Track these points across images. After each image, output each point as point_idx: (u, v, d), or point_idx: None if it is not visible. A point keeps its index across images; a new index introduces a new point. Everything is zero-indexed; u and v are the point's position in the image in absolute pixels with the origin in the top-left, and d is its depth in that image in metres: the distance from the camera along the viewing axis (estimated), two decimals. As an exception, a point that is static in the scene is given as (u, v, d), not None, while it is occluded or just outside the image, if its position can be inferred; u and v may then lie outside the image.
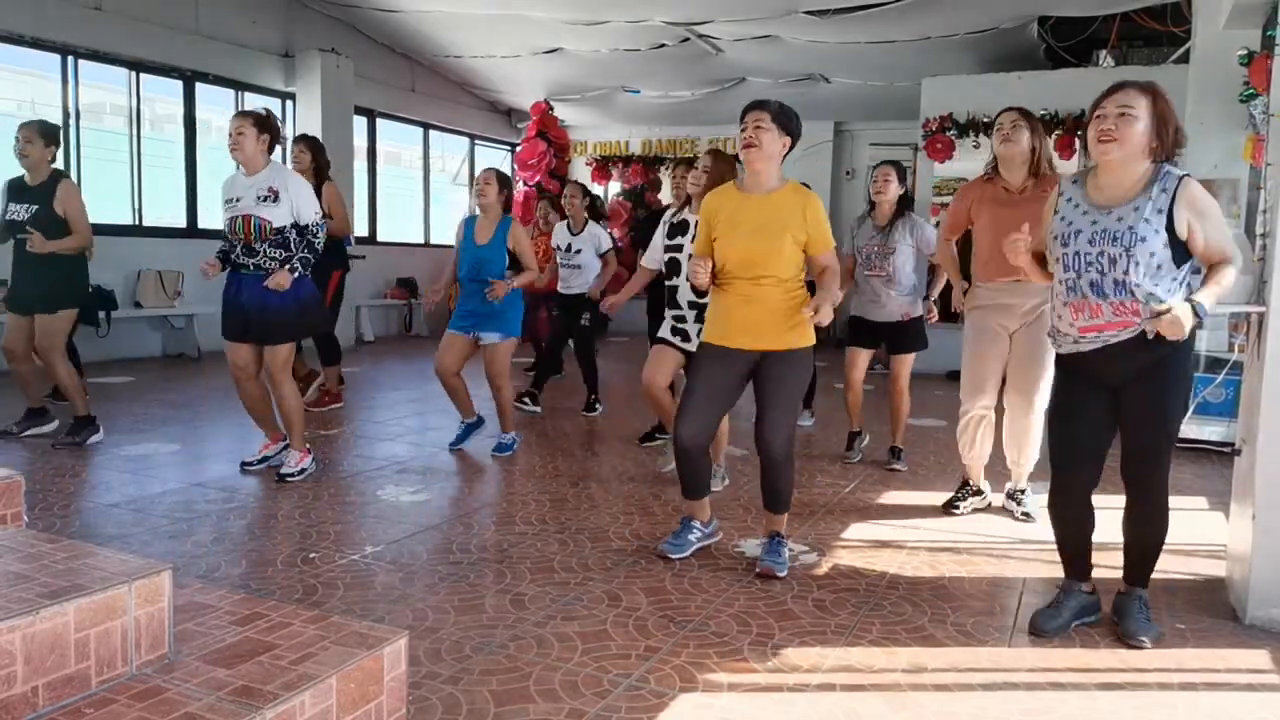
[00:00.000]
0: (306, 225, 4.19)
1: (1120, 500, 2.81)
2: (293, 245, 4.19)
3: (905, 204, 4.83)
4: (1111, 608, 2.86)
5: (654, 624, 2.76)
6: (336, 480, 4.33)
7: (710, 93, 10.81)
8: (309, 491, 4.11)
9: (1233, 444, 3.28)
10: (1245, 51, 5.46)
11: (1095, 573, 2.93)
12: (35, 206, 4.68)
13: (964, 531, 3.82)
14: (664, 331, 4.23)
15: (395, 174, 12.21)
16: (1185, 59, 7.31)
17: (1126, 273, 2.53)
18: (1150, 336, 2.54)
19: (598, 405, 6.25)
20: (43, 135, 4.71)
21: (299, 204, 4.16)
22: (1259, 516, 2.88)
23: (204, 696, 1.72)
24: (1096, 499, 2.85)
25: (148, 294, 8.26)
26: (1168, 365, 2.63)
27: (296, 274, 4.14)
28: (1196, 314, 2.45)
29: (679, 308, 4.14)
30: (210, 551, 3.30)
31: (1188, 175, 2.59)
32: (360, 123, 10.67)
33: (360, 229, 10.73)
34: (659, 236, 4.38)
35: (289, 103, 9.89)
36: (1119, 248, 2.54)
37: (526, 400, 6.19)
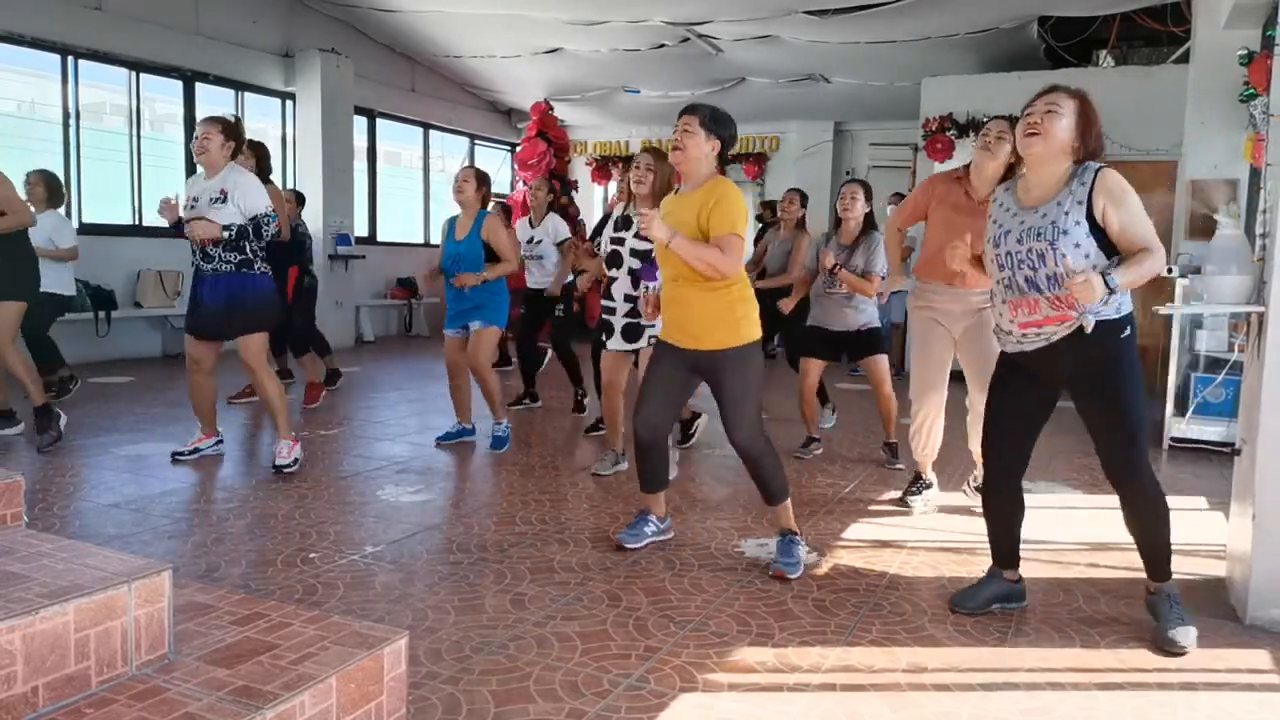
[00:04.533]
0: (256, 215, 4.29)
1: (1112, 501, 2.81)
2: (249, 250, 4.32)
3: (869, 223, 4.94)
4: (1146, 607, 2.84)
5: (654, 624, 2.76)
6: (336, 480, 4.33)
7: (710, 93, 10.81)
8: (309, 491, 4.11)
9: (1233, 444, 3.27)
10: (1245, 51, 5.47)
11: (1083, 573, 2.94)
12: None
13: (964, 531, 3.82)
14: (604, 337, 4.44)
15: (395, 174, 12.22)
16: (1185, 59, 7.32)
17: (1057, 265, 2.60)
18: (1089, 331, 2.60)
19: (587, 402, 6.20)
20: None
21: (246, 200, 4.27)
22: (1259, 516, 2.88)
23: (204, 696, 1.72)
24: (1097, 499, 2.85)
25: (147, 294, 8.27)
26: (1115, 360, 2.67)
27: (228, 234, 4.22)
28: (1108, 285, 2.50)
29: (611, 299, 4.34)
30: (210, 551, 3.30)
31: (1106, 167, 2.65)
32: (360, 123, 10.67)
33: (360, 229, 10.74)
34: (608, 230, 4.55)
35: (289, 103, 9.90)
36: (1043, 242, 2.62)
37: (526, 401, 6.34)
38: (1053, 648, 2.70)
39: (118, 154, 8.38)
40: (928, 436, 4.06)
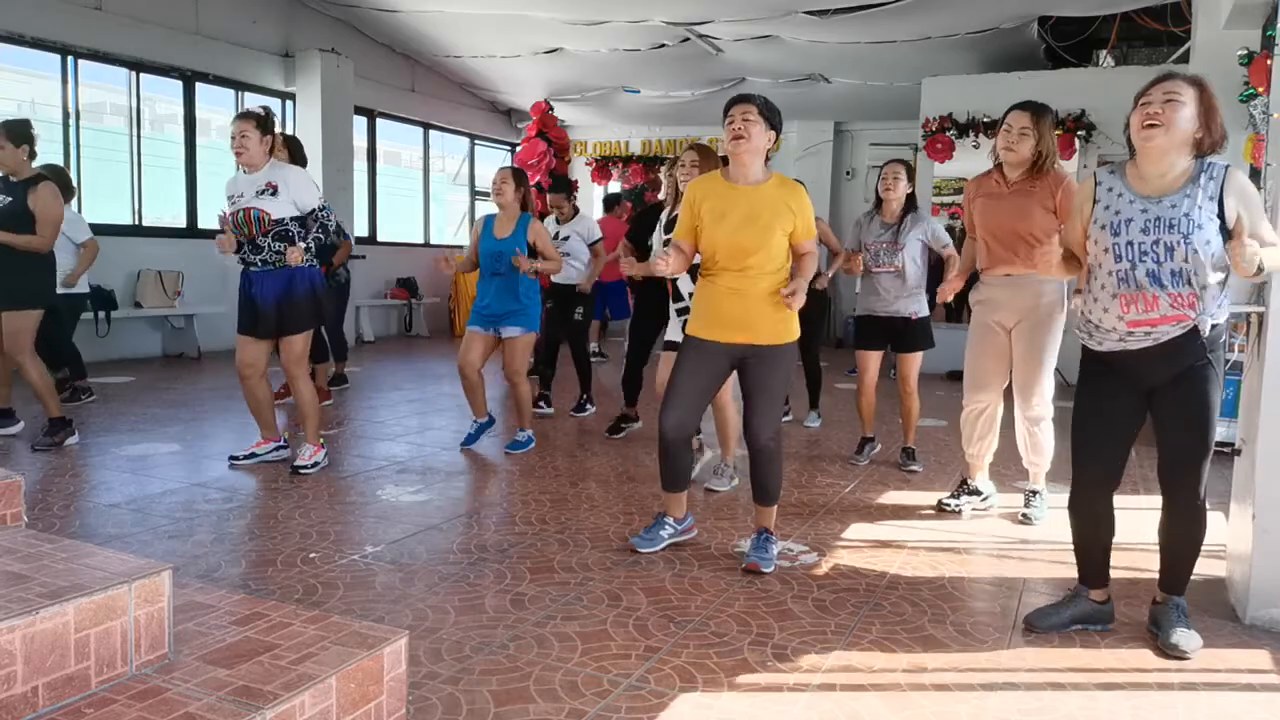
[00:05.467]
0: (311, 210, 4.32)
1: (1141, 501, 2.80)
2: (295, 236, 4.30)
3: (911, 202, 4.85)
4: (1149, 619, 2.81)
5: (654, 624, 2.76)
6: (336, 480, 4.33)
7: (710, 93, 10.81)
8: (309, 491, 4.11)
9: (1233, 444, 3.27)
10: (1245, 51, 5.46)
11: (1123, 574, 2.93)
12: (9, 199, 4.64)
13: (964, 531, 3.82)
14: (673, 333, 4.26)
15: (395, 174, 12.23)
16: (1185, 59, 7.31)
17: (1186, 260, 2.49)
18: (1206, 333, 2.52)
19: (589, 406, 6.21)
20: (9, 136, 4.63)
21: (298, 195, 4.29)
22: (1259, 516, 2.88)
23: (204, 696, 1.72)
24: (1121, 500, 2.84)
25: (147, 294, 8.26)
26: (1207, 367, 2.59)
27: (310, 253, 4.29)
28: (1261, 267, 2.43)
29: (682, 299, 4.18)
30: (210, 551, 3.30)
31: (1231, 165, 2.57)
32: (360, 123, 10.67)
33: (360, 229, 10.74)
34: (659, 234, 4.44)
35: (289, 103, 9.90)
36: (1176, 235, 2.49)
37: (541, 404, 6.19)
38: (1053, 648, 2.70)
39: (118, 154, 8.38)
40: (975, 434, 3.94)
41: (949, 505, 4.07)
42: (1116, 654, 2.66)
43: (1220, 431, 5.20)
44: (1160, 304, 2.53)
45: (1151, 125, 2.50)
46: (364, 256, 10.37)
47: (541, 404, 6.20)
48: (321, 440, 4.54)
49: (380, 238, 11.28)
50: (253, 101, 9.51)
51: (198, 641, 1.95)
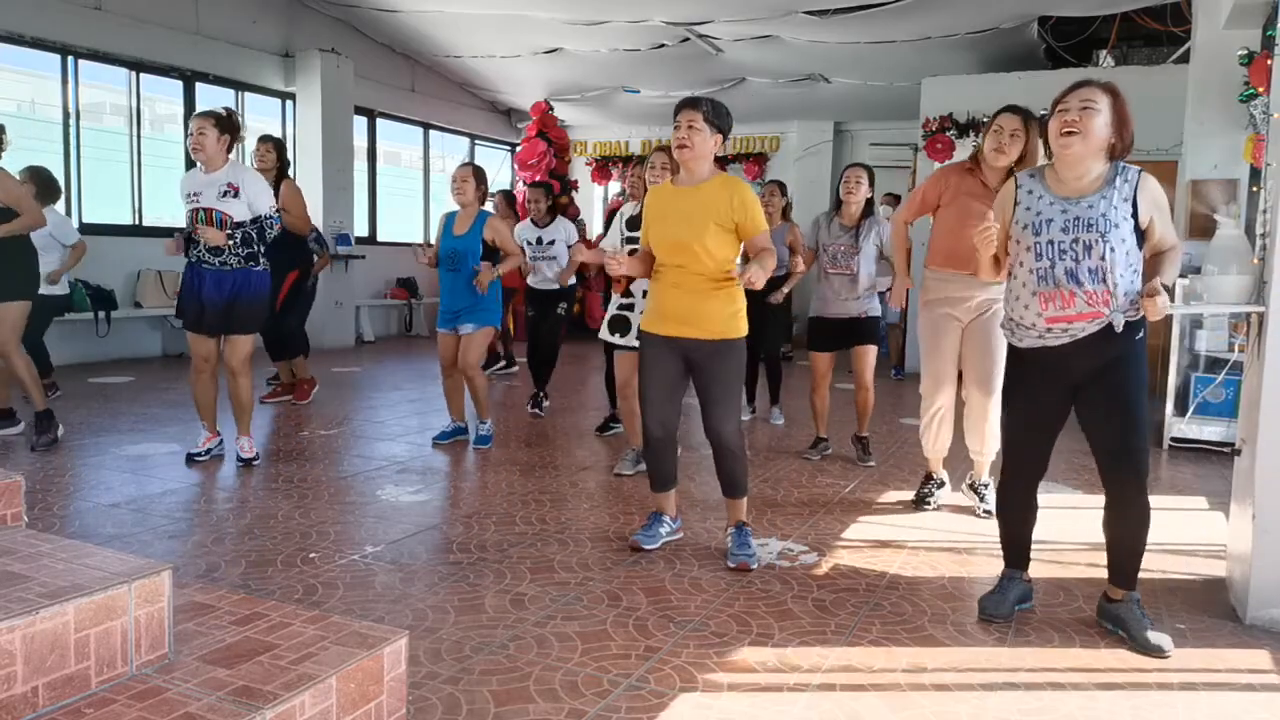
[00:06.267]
0: (259, 215, 4.36)
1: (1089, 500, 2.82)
2: (253, 240, 4.36)
3: (869, 206, 4.98)
4: (1104, 615, 2.83)
5: (654, 624, 2.76)
6: (336, 480, 4.33)
7: (710, 93, 10.79)
8: (309, 491, 4.11)
9: (1233, 444, 3.27)
10: (1245, 51, 5.46)
11: (1083, 573, 3.00)
12: None
13: (964, 531, 3.82)
14: (603, 331, 4.52)
15: (395, 174, 12.21)
16: (1185, 59, 7.31)
17: (1103, 258, 2.59)
18: (1119, 330, 2.60)
19: (545, 402, 6.25)
20: None
21: (254, 199, 4.35)
22: (1259, 516, 2.88)
23: (204, 696, 1.72)
24: (1097, 499, 2.84)
25: (147, 294, 8.26)
26: (1130, 360, 2.67)
27: (233, 241, 4.28)
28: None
29: (630, 295, 4.41)
30: (210, 551, 3.30)
31: (1144, 170, 2.69)
32: (360, 123, 10.67)
33: (360, 229, 10.74)
34: (617, 226, 4.62)
35: (289, 103, 9.90)
36: (1095, 234, 2.60)
37: (545, 402, 6.26)
38: (1053, 648, 2.70)
39: (118, 154, 8.38)
40: (938, 433, 4.07)
41: (928, 503, 4.15)
42: (1116, 654, 2.66)
43: (1220, 431, 5.26)
44: (1076, 301, 2.63)
45: (1069, 133, 2.60)
46: (364, 256, 10.39)
47: (545, 401, 6.28)
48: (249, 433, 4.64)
49: (380, 238, 11.28)
50: (253, 101, 9.54)
51: (198, 641, 1.95)
